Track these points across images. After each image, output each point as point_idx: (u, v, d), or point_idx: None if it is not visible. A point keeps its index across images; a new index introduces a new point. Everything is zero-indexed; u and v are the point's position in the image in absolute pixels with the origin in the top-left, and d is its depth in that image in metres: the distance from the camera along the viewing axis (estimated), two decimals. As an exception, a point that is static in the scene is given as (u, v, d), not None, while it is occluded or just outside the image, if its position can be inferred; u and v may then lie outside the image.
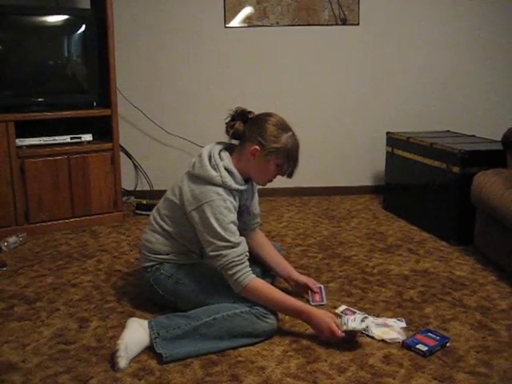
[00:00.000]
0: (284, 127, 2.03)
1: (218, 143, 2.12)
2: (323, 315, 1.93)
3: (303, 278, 2.34)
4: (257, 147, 2.00)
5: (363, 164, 4.20)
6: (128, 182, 3.99)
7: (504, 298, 2.38)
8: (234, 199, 2.03)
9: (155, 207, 2.20)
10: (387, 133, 3.79)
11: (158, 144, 3.98)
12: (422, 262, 2.80)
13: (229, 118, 2.07)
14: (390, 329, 2.03)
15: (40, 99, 3.16)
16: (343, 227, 3.41)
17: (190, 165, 2.06)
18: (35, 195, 3.15)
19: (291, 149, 2.02)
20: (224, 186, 1.98)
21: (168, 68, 3.90)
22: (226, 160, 2.03)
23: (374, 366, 1.83)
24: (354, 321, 1.94)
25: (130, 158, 3.98)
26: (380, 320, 2.12)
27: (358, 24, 3.96)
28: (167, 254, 2.10)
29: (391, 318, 2.16)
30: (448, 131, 3.92)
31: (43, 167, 3.15)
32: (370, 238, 3.20)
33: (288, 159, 2.02)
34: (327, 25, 3.94)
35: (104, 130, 3.40)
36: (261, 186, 2.16)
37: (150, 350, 1.88)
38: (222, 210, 1.94)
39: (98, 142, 3.34)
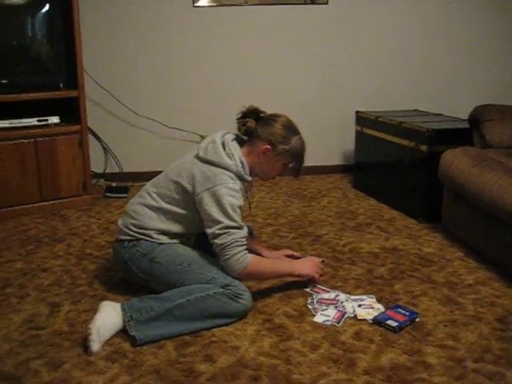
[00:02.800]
0: (293, 129, 2.14)
1: (227, 132, 2.19)
2: (305, 262, 2.22)
3: (274, 254, 2.43)
4: (269, 147, 2.10)
5: (333, 143, 4.22)
6: (97, 164, 3.94)
7: (470, 273, 2.43)
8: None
9: (151, 182, 2.21)
10: (357, 112, 3.81)
11: (126, 125, 3.94)
12: (392, 240, 2.84)
13: (240, 115, 2.15)
14: (374, 310, 2.07)
15: (4, 81, 3.08)
16: (314, 206, 3.44)
17: (199, 149, 2.10)
18: (1, 179, 3.09)
19: (299, 151, 2.14)
20: (238, 174, 2.06)
21: (136, 48, 3.84)
22: (239, 151, 2.11)
23: (346, 342, 1.86)
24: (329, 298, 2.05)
25: (99, 140, 3.93)
26: (355, 297, 2.16)
27: (326, 3, 3.95)
28: (150, 230, 2.10)
29: (362, 295, 2.19)
30: (416, 110, 3.97)
31: (9, 151, 3.09)
32: (340, 216, 3.24)
33: (295, 160, 2.15)
34: (296, 4, 3.92)
35: (71, 112, 3.34)
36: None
37: (123, 332, 1.88)
38: (235, 194, 2.01)
39: (65, 125, 3.28)
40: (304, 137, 2.18)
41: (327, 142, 4.21)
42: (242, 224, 2.02)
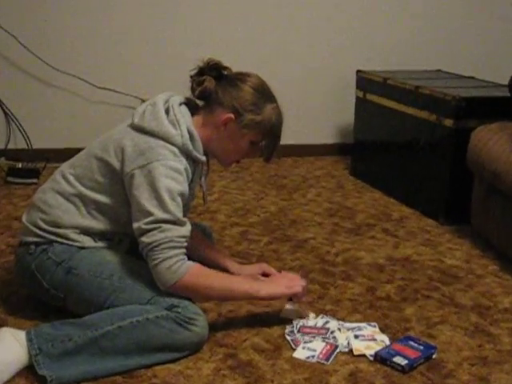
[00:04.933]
0: (267, 94, 2.14)
1: (175, 94, 2.17)
2: (277, 280, 2.22)
3: (247, 269, 2.43)
4: (231, 116, 2.09)
5: (324, 114, 4.25)
6: (-4, 137, 3.90)
7: (508, 293, 2.46)
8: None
9: (67, 162, 2.20)
10: (358, 71, 3.83)
11: (38, 84, 3.91)
12: (402, 247, 2.87)
13: (195, 71, 2.15)
14: (376, 343, 2.06)
15: None
16: (297, 200, 3.45)
17: (134, 114, 2.10)
18: None
19: (274, 124, 2.14)
20: (183, 149, 2.04)
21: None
22: (188, 118, 2.10)
23: (337, 386, 1.86)
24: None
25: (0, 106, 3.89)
26: (350, 325, 2.16)
27: None
28: (66, 228, 2.09)
29: (361, 322, 2.20)
30: (439, 71, 3.99)
31: None
32: (332, 214, 3.25)
33: (268, 137, 2.14)
34: None
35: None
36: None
37: (29, 370, 1.84)
38: (176, 176, 2.00)
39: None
40: (283, 105, 2.17)
41: (316, 112, 4.22)
42: (184, 219, 2.01)
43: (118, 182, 2.06)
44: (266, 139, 2.15)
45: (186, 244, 2.01)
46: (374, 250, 2.83)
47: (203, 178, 2.26)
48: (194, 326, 1.94)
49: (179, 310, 1.94)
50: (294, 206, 3.36)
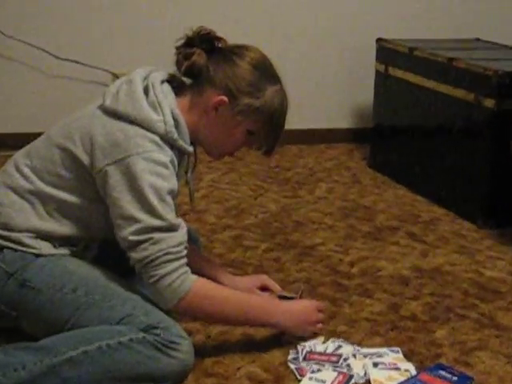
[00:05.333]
0: (269, 73, 2.12)
1: (155, 69, 2.14)
2: (299, 312, 2.18)
3: (242, 281, 2.43)
4: (224, 98, 2.06)
5: (337, 93, 4.26)
6: None
7: (561, 312, 2.46)
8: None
9: (22, 150, 2.19)
10: (378, 40, 3.83)
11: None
12: (432, 256, 2.86)
13: (182, 42, 2.11)
14: (399, 373, 2.06)
15: None
16: (303, 198, 3.45)
17: (106, 94, 2.07)
18: None
19: (277, 112, 2.11)
20: (167, 138, 2.02)
21: None
22: (171, 100, 2.08)
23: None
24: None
25: None
26: (368, 351, 2.16)
27: None
28: (19, 231, 2.06)
29: (381, 347, 2.19)
30: (478, 40, 3.99)
31: None
32: (346, 215, 3.24)
33: (269, 127, 2.11)
34: None
35: None
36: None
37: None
38: (162, 170, 1.98)
39: None
40: (292, 84, 2.17)
41: (327, 90, 4.22)
42: (176, 221, 2.00)
43: (86, 178, 2.04)
44: (266, 129, 2.12)
45: (185, 252, 2.00)
46: (397, 259, 2.82)
47: (190, 172, 2.25)
48: (177, 352, 1.92)
49: (158, 331, 1.92)
50: (299, 205, 3.35)
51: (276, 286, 2.45)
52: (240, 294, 2.18)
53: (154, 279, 1.95)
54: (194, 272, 2.14)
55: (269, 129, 2.12)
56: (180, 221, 2.02)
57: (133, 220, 1.95)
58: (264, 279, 2.46)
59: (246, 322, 2.14)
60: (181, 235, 2.00)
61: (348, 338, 2.24)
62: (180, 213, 2.96)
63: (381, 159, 3.85)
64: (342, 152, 4.14)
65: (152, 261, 1.94)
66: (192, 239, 2.45)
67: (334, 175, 3.77)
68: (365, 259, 2.82)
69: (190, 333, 2.05)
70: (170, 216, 1.98)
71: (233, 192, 3.50)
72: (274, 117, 2.11)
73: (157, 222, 1.95)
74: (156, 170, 1.97)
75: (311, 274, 2.67)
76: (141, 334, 1.91)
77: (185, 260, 1.99)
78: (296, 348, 2.16)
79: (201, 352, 2.08)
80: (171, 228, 1.97)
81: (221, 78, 2.07)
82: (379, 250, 2.91)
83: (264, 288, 2.43)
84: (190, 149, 2.13)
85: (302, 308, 2.22)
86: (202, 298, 2.01)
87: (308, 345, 2.18)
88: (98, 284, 2.04)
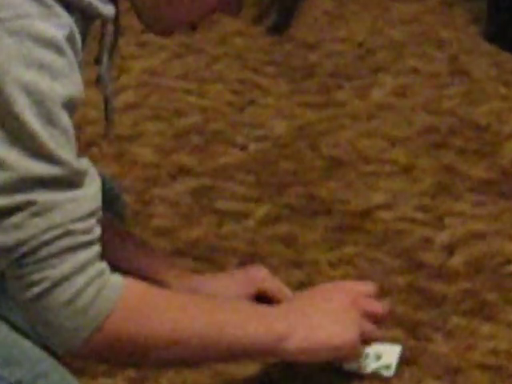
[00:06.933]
0: None
1: None
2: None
3: (218, 287, 1.83)
4: None
5: None
6: None
7: None
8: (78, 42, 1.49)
9: None
10: None
11: None
12: None
13: None
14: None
15: None
16: (344, 106, 2.40)
17: None
18: None
19: None
20: None
21: None
22: None
23: None
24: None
25: None
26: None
27: None
28: None
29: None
30: None
31: None
32: (437, 145, 2.24)
33: None
34: None
35: None
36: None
37: None
38: (49, 58, 1.33)
39: None
40: None
41: None
42: (82, 165, 1.35)
43: None
44: None
45: (99, 229, 1.40)
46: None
47: (105, 58, 1.59)
48: None
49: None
50: (335, 123, 2.34)
51: (283, 292, 1.79)
52: (211, 297, 1.67)
53: (38, 290, 1.35)
54: (113, 269, 1.52)
55: None
56: (87, 164, 1.38)
57: None
58: (261, 279, 1.80)
59: (234, 346, 1.49)
60: (90, 195, 1.38)
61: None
62: (86, 145, 2.29)
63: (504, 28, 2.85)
64: (428, 9, 2.98)
65: (33, 251, 1.33)
66: (110, 201, 1.78)
67: (410, 57, 2.63)
68: (480, 237, 1.91)
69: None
70: (68, 155, 1.32)
71: (191, 96, 2.43)
72: None
73: (42, 169, 1.31)
74: (37, 58, 1.31)
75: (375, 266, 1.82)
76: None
77: (98, 246, 1.41)
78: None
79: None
80: (71, 180, 1.33)
81: None
82: (507, 217, 1.97)
83: (261, 296, 1.79)
84: (108, 9, 1.49)
85: (337, 296, 1.61)
86: (142, 319, 1.43)
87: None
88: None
